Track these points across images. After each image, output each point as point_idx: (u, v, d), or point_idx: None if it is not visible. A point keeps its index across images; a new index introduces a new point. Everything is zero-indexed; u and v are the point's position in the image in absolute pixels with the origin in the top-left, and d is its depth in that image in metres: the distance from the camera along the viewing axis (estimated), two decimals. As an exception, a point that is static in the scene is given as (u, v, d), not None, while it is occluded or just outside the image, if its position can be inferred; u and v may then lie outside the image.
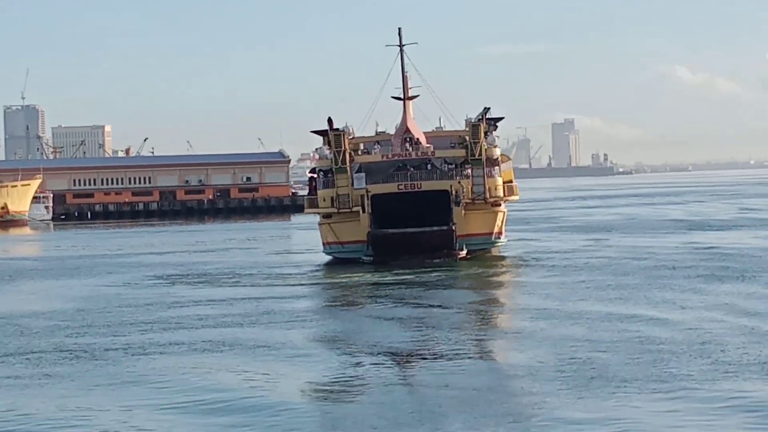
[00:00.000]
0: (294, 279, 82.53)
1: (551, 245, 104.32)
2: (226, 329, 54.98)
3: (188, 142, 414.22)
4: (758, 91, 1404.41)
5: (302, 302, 68.16)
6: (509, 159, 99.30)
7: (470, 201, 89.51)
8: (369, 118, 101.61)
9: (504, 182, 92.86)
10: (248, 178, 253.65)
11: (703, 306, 56.76)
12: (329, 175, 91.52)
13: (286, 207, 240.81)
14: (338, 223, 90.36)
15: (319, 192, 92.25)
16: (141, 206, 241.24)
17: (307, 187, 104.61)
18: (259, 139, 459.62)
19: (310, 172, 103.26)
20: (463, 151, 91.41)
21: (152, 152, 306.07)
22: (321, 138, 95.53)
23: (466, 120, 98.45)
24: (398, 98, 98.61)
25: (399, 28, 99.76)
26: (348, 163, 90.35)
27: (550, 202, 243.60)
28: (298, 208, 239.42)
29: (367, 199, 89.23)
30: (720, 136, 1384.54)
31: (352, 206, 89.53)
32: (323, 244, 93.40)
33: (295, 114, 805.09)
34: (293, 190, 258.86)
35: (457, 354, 45.33)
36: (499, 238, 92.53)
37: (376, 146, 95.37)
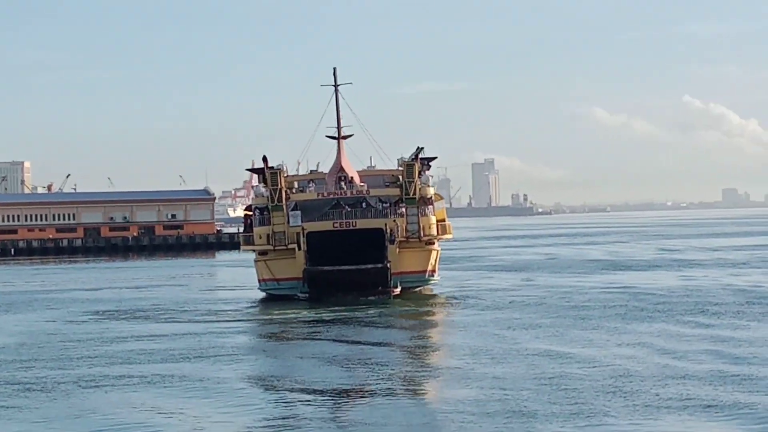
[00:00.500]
0: (231, 315, 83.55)
1: (480, 283, 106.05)
2: (171, 364, 55.97)
3: (109, 178, 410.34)
4: (674, 133, 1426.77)
5: (241, 338, 69.27)
6: (442, 198, 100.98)
7: (404, 239, 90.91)
8: (304, 156, 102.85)
9: (437, 221, 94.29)
10: (173, 216, 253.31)
11: (623, 344, 58.54)
12: (265, 213, 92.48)
13: (210, 244, 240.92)
14: (274, 260, 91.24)
15: (255, 229, 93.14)
16: (65, 243, 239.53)
17: (243, 225, 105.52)
18: (181, 176, 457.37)
19: (245, 209, 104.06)
20: (398, 190, 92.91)
21: (74, 189, 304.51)
22: (247, 176, 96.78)
23: (398, 159, 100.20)
24: (332, 137, 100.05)
25: (334, 68, 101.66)
26: (284, 201, 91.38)
27: (474, 242, 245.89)
28: (222, 246, 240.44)
29: (303, 236, 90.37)
30: (637, 177, 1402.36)
31: (288, 243, 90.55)
32: (259, 280, 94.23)
33: (221, 151, 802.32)
34: (218, 228, 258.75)
35: (391, 391, 46.23)
36: (433, 275, 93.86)
37: (310, 185, 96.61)
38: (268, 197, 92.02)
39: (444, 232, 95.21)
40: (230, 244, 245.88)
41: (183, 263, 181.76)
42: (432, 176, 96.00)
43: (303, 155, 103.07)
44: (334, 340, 66.25)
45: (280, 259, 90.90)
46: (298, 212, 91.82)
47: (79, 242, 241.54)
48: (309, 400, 44.65)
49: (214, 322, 78.13)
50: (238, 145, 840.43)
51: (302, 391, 47.04)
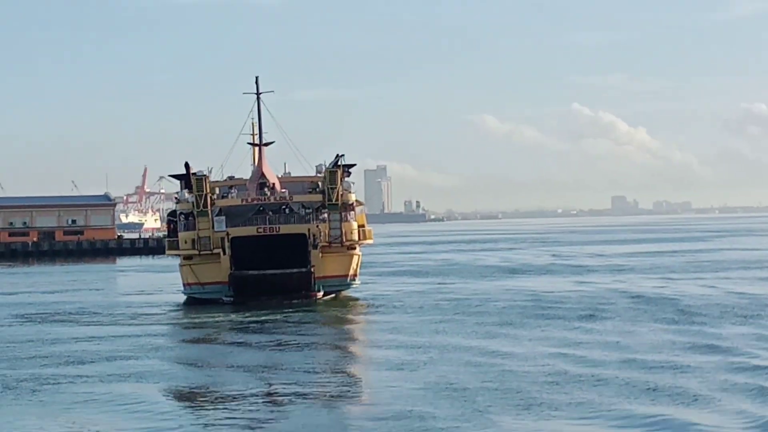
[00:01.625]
0: (157, 318, 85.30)
1: (394, 288, 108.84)
2: (120, 362, 58.01)
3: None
4: (564, 142, 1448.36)
5: (169, 339, 71.30)
6: (362, 204, 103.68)
7: (327, 244, 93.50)
8: (225, 163, 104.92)
9: (358, 226, 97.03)
10: (74, 221, 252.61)
11: (529, 343, 61.72)
12: (190, 218, 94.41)
13: (111, 250, 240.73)
14: (199, 264, 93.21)
15: (180, 234, 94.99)
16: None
17: (166, 229, 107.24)
18: (73, 181, 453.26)
19: (169, 214, 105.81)
20: (320, 196, 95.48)
21: None
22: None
23: (317, 166, 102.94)
24: (254, 144, 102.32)
25: (256, 77, 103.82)
26: (209, 207, 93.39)
27: (372, 248, 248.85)
28: (123, 251, 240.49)
29: (228, 241, 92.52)
30: (527, 184, 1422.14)
31: (213, 248, 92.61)
32: (184, 284, 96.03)
33: (113, 158, 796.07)
34: (119, 233, 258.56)
35: (317, 394, 47.73)
36: (354, 280, 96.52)
37: (232, 190, 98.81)
38: (193, 203, 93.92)
39: (365, 237, 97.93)
40: (131, 249, 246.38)
41: (88, 268, 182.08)
42: (353, 183, 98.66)
43: (226, 162, 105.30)
44: (259, 343, 67.88)
45: (206, 263, 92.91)
46: (223, 217, 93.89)
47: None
48: (234, 405, 45.38)
49: (142, 325, 79.75)
50: (131, 152, 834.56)
51: (231, 397, 47.49)
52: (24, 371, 55.31)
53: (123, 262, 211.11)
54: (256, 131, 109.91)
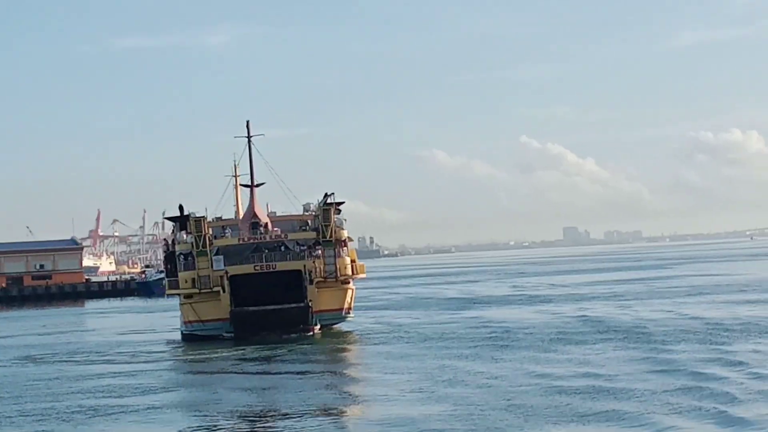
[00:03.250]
0: (163, 354, 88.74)
1: (375, 321, 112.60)
2: (149, 395, 61.49)
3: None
4: (514, 174, 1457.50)
5: (178, 373, 75.26)
6: (352, 240, 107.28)
7: (322, 279, 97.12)
8: (221, 204, 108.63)
9: (351, 262, 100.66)
10: (41, 266, 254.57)
11: (506, 367, 65.75)
12: (189, 258, 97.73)
13: (80, 293, 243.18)
14: (200, 302, 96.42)
15: (180, 274, 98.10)
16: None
17: (164, 270, 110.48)
18: (27, 227, 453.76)
19: (166, 255, 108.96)
20: (314, 233, 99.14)
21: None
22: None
23: (303, 205, 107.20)
24: (246, 185, 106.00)
25: (247, 121, 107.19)
26: (208, 247, 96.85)
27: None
28: (91, 294, 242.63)
29: (227, 279, 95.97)
30: (479, 217, 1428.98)
31: (213, 287, 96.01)
32: (184, 322, 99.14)
33: (70, 200, 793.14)
34: (86, 277, 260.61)
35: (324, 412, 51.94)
36: (349, 313, 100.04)
37: (226, 230, 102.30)
38: (192, 243, 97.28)
39: (357, 272, 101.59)
40: (99, 292, 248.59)
41: (64, 312, 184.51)
42: (345, 219, 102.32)
43: (219, 203, 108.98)
44: (265, 373, 71.52)
45: (206, 301, 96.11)
46: (221, 256, 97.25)
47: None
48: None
49: (154, 361, 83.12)
50: (83, 196, 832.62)
51: (240, 416, 51.83)
52: (68, 404, 58.59)
53: (92, 304, 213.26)
54: (239, 173, 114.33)
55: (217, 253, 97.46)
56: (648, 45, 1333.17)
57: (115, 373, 74.47)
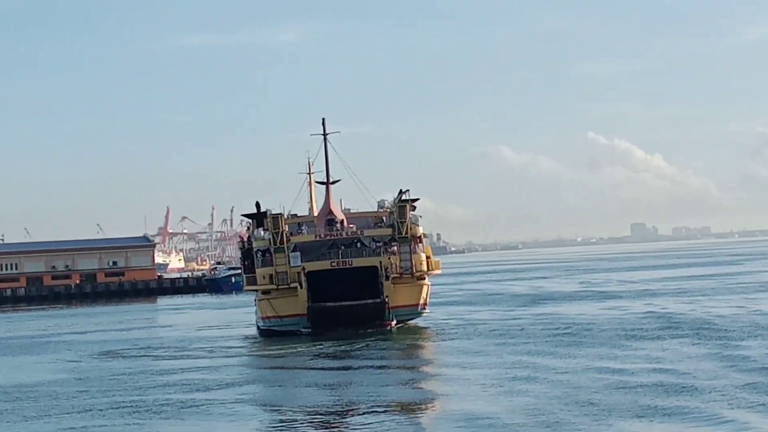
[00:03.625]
0: (241, 350, 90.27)
1: (451, 316, 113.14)
2: (233, 388, 62.69)
3: (25, 228, 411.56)
4: (581, 170, 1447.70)
5: (264, 367, 76.75)
6: (427, 236, 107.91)
7: (398, 275, 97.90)
8: (295, 201, 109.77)
9: (426, 258, 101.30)
10: (114, 263, 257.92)
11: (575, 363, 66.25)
12: (267, 255, 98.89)
13: (152, 290, 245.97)
14: (277, 298, 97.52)
15: (258, 270, 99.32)
16: (8, 292, 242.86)
17: (242, 267, 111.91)
18: (98, 224, 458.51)
19: (243, 251, 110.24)
20: (389, 229, 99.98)
21: (2, 239, 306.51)
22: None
23: (378, 202, 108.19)
24: (322, 183, 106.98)
25: (323, 119, 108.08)
26: (285, 243, 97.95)
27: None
28: (164, 291, 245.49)
29: (304, 275, 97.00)
30: (546, 214, 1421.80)
31: (290, 283, 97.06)
32: (261, 318, 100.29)
33: (139, 198, 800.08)
34: (159, 273, 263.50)
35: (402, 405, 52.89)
36: (425, 308, 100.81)
37: (302, 227, 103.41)
38: (269, 240, 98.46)
39: (432, 268, 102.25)
40: (171, 289, 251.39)
41: (138, 308, 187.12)
42: (421, 216, 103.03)
43: (295, 201, 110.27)
44: (344, 368, 72.26)
45: (283, 297, 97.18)
46: (298, 253, 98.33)
47: (22, 291, 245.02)
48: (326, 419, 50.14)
49: (234, 356, 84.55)
50: (151, 194, 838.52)
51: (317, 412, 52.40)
52: (155, 397, 59.90)
53: (164, 301, 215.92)
54: (312, 170, 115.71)
55: (294, 250, 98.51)
56: (716, 40, 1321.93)
57: (197, 367, 75.70)
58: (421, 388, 61.38)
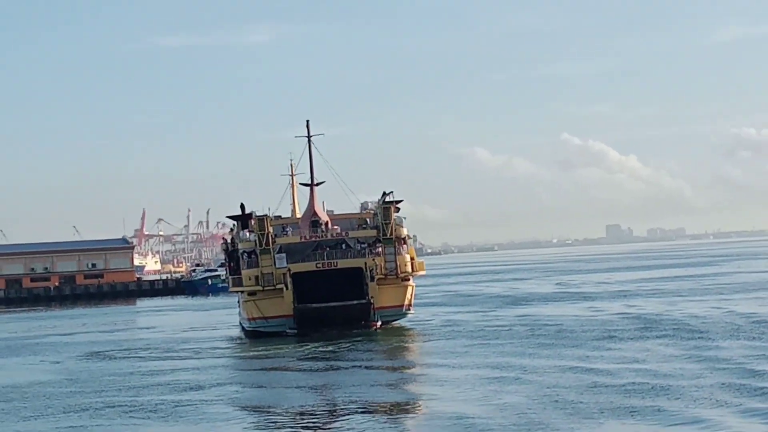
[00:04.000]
0: (228, 350, 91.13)
1: (434, 317, 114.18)
2: (224, 387, 63.51)
3: (1, 230, 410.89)
4: (555, 171, 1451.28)
5: (253, 367, 77.39)
6: (411, 238, 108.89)
7: (383, 276, 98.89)
8: (274, 203, 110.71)
9: (410, 259, 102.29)
10: (93, 265, 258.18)
11: (557, 361, 67.52)
12: (252, 256, 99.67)
13: (131, 292, 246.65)
14: (263, 299, 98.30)
15: (243, 272, 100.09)
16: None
17: (226, 268, 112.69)
18: (74, 226, 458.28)
19: (228, 253, 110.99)
20: (374, 231, 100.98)
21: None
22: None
23: (361, 204, 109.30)
24: (306, 184, 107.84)
25: (307, 121, 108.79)
26: (271, 245, 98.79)
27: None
28: (143, 293, 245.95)
29: (289, 277, 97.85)
30: (521, 215, 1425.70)
31: (276, 284, 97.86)
32: (248, 319, 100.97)
33: (113, 200, 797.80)
34: (138, 275, 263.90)
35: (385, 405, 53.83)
36: (409, 309, 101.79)
37: (287, 229, 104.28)
38: (255, 241, 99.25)
39: (417, 269, 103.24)
40: (151, 291, 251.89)
41: (117, 310, 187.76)
42: (405, 218, 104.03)
43: (279, 203, 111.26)
44: (331, 369, 72.88)
45: (269, 298, 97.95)
46: (283, 254, 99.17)
47: (1, 293, 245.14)
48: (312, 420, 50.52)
49: (220, 357, 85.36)
50: (126, 195, 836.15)
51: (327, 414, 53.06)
52: (150, 397, 60.68)
53: (143, 303, 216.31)
54: (295, 171, 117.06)
55: (279, 251, 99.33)
56: (689, 41, 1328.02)
57: (187, 368, 76.48)
58: (408, 388, 62.10)
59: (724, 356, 66.33)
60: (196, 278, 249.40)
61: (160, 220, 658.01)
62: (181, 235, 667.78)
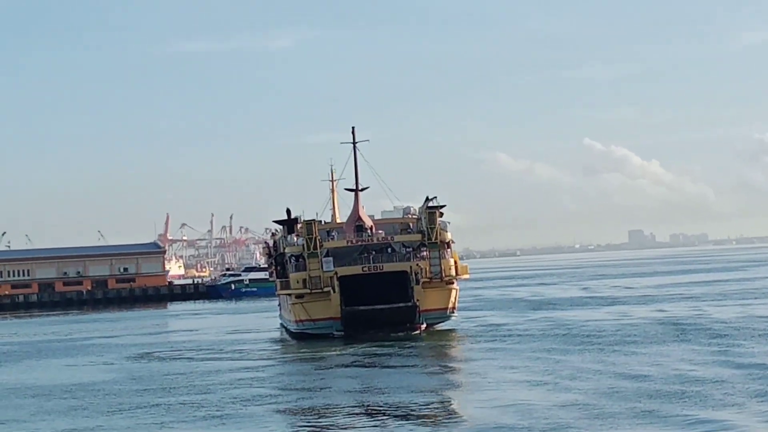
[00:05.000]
0: (275, 351, 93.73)
1: (473, 321, 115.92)
2: (259, 389, 65.51)
3: (27, 235, 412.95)
4: (577, 177, 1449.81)
5: (305, 368, 78.88)
6: (454, 242, 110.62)
7: (428, 280, 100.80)
8: (325, 208, 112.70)
9: (454, 263, 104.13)
10: (125, 269, 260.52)
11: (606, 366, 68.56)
12: (300, 260, 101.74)
13: (163, 296, 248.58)
14: (310, 302, 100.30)
15: (291, 275, 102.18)
16: (21, 298, 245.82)
17: (272, 271, 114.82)
18: (99, 231, 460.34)
19: (274, 257, 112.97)
20: (419, 235, 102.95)
21: (8, 246, 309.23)
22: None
23: (404, 209, 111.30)
24: (351, 190, 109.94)
25: (353, 127, 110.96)
26: (318, 249, 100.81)
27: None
28: (174, 297, 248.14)
29: (336, 280, 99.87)
30: (543, 220, 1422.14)
31: (323, 287, 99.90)
32: (294, 321, 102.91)
33: (137, 205, 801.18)
34: (169, 279, 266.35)
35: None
36: (453, 312, 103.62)
37: (332, 233, 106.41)
38: (302, 245, 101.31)
39: (461, 272, 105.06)
40: (182, 295, 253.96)
41: (151, 314, 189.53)
42: (449, 222, 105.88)
43: (324, 209, 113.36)
44: (386, 367, 75.63)
45: (317, 301, 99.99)
46: (330, 258, 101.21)
47: (34, 297, 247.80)
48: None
49: (268, 359, 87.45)
50: (145, 201, 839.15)
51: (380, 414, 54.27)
52: (220, 396, 62.68)
53: (174, 307, 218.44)
54: (335, 177, 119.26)
55: (326, 255, 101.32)
56: (712, 46, 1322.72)
57: (243, 368, 78.60)
58: (455, 389, 63.72)
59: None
60: (218, 283, 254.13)
61: (183, 224, 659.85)
62: (204, 239, 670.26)
